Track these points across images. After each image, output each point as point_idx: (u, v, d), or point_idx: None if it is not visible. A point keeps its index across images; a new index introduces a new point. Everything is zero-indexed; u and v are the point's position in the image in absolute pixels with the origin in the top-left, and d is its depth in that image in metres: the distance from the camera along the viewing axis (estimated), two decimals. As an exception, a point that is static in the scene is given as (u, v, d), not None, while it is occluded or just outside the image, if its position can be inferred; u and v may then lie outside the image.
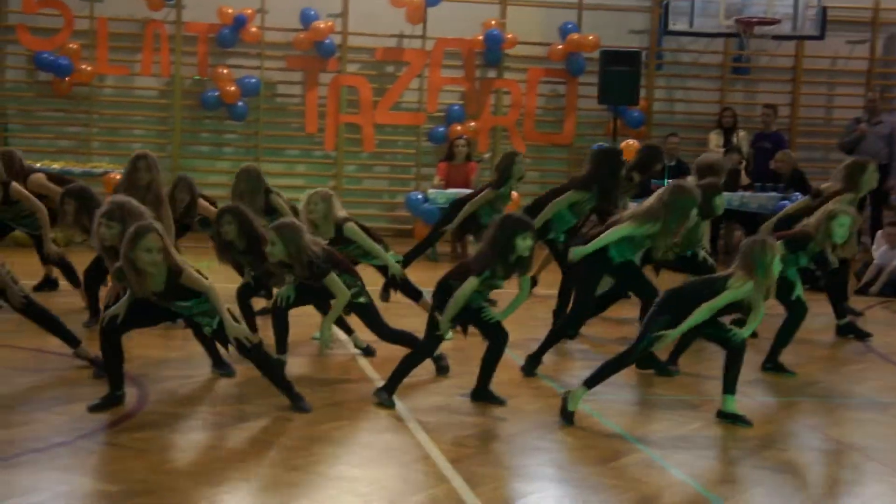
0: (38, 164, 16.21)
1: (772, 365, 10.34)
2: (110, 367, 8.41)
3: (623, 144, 18.06)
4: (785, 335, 10.40)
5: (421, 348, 9.04)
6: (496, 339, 8.85)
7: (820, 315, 12.57)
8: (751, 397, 9.43)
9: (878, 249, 15.69)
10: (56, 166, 16.39)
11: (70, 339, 9.47)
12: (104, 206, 9.05)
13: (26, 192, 11.81)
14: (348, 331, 10.63)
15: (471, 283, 8.61)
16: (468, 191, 16.77)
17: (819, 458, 8.11)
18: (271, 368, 8.67)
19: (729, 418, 8.53)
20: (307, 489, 6.91)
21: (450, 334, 9.44)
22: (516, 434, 8.24)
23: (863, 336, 12.02)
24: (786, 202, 16.57)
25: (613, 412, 8.71)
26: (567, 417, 8.34)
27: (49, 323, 9.44)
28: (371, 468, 7.33)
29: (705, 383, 9.88)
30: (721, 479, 7.47)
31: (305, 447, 7.70)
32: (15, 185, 11.87)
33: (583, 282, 10.10)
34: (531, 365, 9.98)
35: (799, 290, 10.35)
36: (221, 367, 9.48)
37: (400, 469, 7.33)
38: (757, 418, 8.80)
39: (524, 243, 8.45)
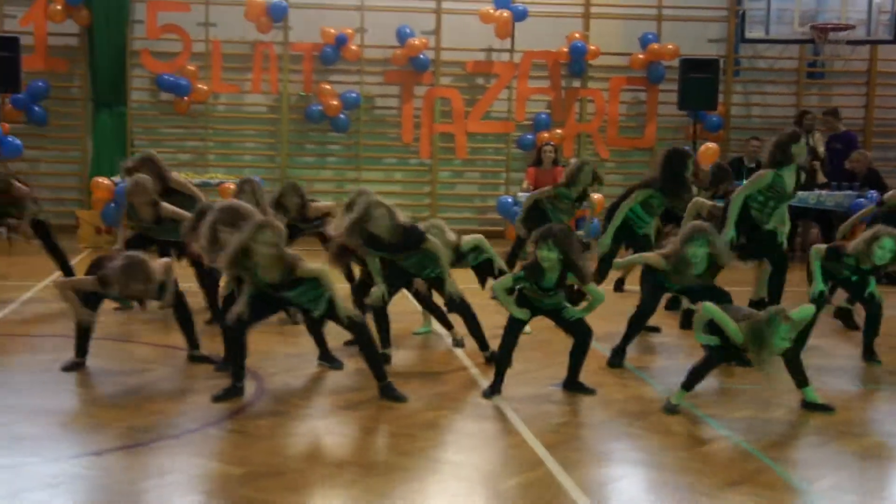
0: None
1: (870, 356, 10.38)
2: (235, 360, 8.61)
3: (703, 148, 18.12)
4: (869, 331, 10.43)
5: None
6: (580, 335, 8.91)
7: None
8: (832, 386, 9.47)
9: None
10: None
11: (193, 341, 9.73)
12: (216, 213, 9.19)
13: (174, 210, 11.63)
14: (448, 325, 10.75)
15: (500, 281, 8.97)
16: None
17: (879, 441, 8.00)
18: (374, 352, 8.78)
19: (812, 408, 8.52)
20: (416, 473, 7.01)
21: (528, 329, 9.62)
22: (606, 421, 8.29)
23: None
24: (861, 200, 16.54)
25: (698, 400, 8.65)
26: (670, 410, 8.44)
27: (187, 323, 9.70)
28: (472, 454, 7.40)
29: (783, 373, 9.82)
30: (806, 464, 7.44)
31: (412, 434, 7.79)
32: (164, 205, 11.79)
33: (646, 278, 10.11)
34: (617, 357, 10.01)
35: (871, 287, 10.32)
36: (329, 361, 9.62)
37: (499, 454, 7.44)
38: (839, 405, 8.74)
39: (544, 254, 8.56)
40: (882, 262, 9.99)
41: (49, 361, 9.62)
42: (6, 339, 10.60)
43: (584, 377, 9.11)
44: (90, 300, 9.40)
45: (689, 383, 8.44)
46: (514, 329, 8.94)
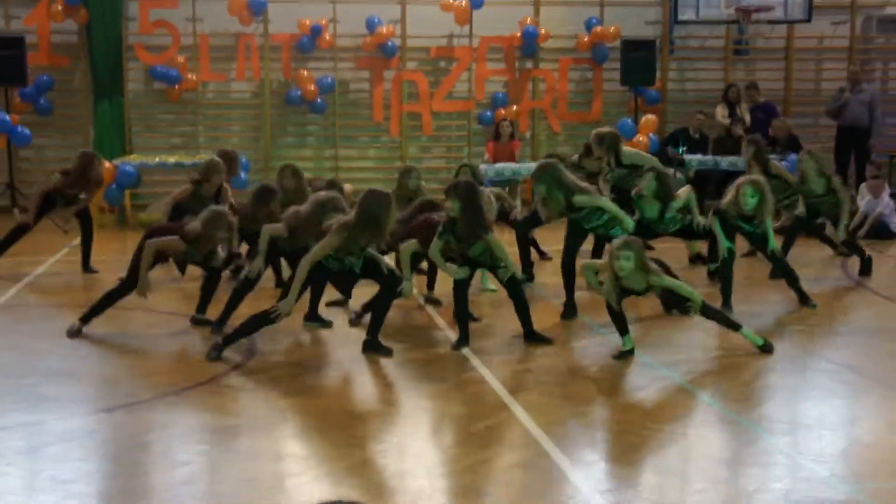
0: (157, 159, 16.64)
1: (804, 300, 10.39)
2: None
3: (643, 119, 18.23)
4: (791, 282, 10.45)
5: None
6: (512, 294, 9.04)
7: (820, 261, 12.72)
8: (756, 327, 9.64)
9: (863, 200, 15.68)
10: (171, 160, 16.73)
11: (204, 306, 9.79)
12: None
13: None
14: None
15: (432, 245, 9.01)
16: (514, 164, 17.06)
17: (819, 376, 8.16)
18: (385, 311, 8.84)
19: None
20: (396, 418, 7.18)
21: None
22: (563, 368, 8.41)
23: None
24: (784, 161, 16.66)
25: (644, 349, 8.74)
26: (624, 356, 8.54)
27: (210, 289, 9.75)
28: (445, 401, 7.48)
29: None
30: (737, 396, 7.58)
31: (391, 384, 7.96)
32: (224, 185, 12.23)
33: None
34: (569, 311, 10.07)
35: (770, 241, 10.33)
36: (318, 321, 9.63)
37: (468, 400, 7.47)
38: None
39: (449, 204, 8.75)
40: (750, 208, 10.04)
41: (64, 328, 9.64)
42: (25, 309, 10.60)
43: (547, 329, 9.26)
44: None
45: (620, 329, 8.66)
46: (458, 288, 9.02)
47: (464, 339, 8.92)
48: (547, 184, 9.81)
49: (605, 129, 12.70)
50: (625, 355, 8.53)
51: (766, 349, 8.62)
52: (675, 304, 8.94)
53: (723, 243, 10.21)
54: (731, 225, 10.26)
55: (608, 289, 8.59)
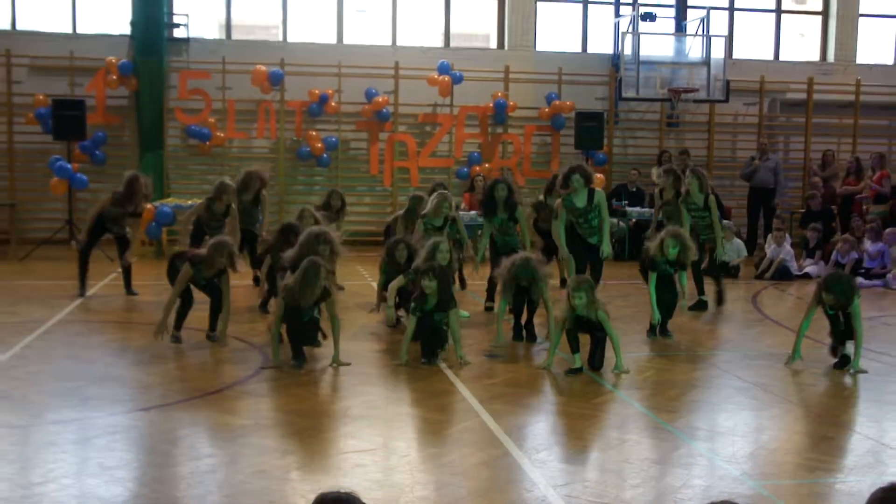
0: (189, 202, 16.59)
1: (664, 333, 10.27)
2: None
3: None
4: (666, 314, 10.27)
5: None
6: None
7: (731, 299, 12.77)
8: (682, 351, 9.68)
9: (769, 247, 15.83)
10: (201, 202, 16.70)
11: (214, 324, 9.67)
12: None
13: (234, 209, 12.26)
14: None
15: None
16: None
17: (733, 393, 8.15)
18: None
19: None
20: (381, 421, 7.10)
21: (466, 313, 10.20)
22: (524, 382, 8.39)
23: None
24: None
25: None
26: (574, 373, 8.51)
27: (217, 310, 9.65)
28: (419, 407, 7.52)
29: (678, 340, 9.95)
30: (667, 408, 7.58)
31: (372, 393, 7.88)
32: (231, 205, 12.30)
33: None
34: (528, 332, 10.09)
35: (682, 280, 10.38)
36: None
37: (443, 408, 7.48)
38: (687, 366, 9.01)
39: (426, 283, 8.73)
40: (672, 257, 9.97)
41: (109, 341, 9.63)
42: (78, 325, 10.57)
43: (513, 350, 9.29)
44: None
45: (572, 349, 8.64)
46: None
47: (430, 359, 8.88)
48: None
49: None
50: (574, 372, 8.52)
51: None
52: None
53: (651, 285, 10.16)
54: (659, 270, 10.20)
55: (565, 316, 8.63)
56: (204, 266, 9.40)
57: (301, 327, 8.69)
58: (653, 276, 10.16)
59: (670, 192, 12.70)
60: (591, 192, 11.20)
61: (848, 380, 8.60)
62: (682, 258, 10.07)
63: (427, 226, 11.43)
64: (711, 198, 12.29)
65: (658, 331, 10.19)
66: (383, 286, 10.64)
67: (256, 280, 12.49)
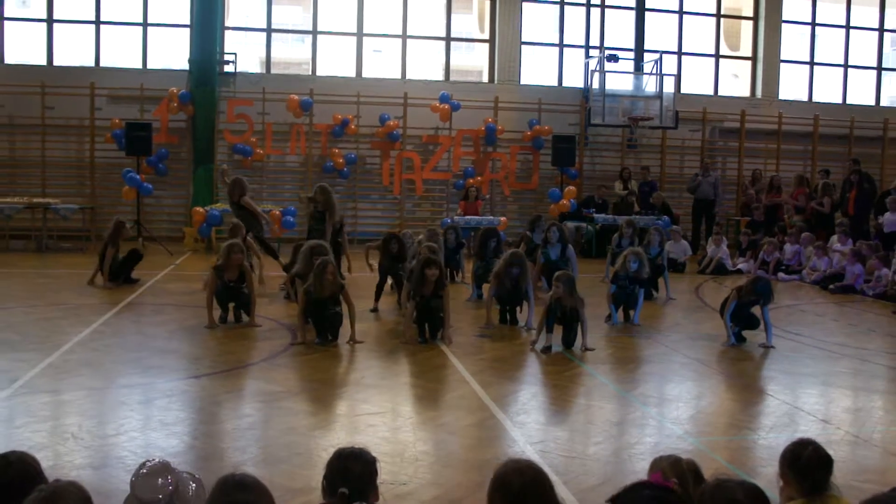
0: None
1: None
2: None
3: (566, 190, 18.36)
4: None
5: None
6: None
7: (678, 290, 12.78)
8: (637, 333, 9.69)
9: (710, 248, 15.88)
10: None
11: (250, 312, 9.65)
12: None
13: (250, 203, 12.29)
14: None
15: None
16: (478, 217, 17.09)
17: (678, 367, 8.16)
18: None
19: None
20: (389, 390, 7.11)
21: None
22: (509, 357, 8.40)
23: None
24: (659, 221, 16.77)
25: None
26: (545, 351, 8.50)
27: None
28: (421, 378, 7.49)
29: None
30: (625, 379, 7.62)
31: (381, 366, 7.92)
32: (245, 198, 12.35)
33: None
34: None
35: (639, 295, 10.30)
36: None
37: (442, 379, 7.49)
38: (641, 345, 9.03)
39: (429, 272, 8.70)
40: (634, 272, 9.96)
41: (167, 320, 9.61)
42: (143, 307, 10.57)
43: (499, 331, 9.22)
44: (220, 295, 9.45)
45: (548, 329, 8.63)
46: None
47: (424, 338, 8.87)
48: None
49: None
50: (547, 350, 8.53)
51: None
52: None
53: (613, 314, 10.12)
54: (623, 292, 10.16)
55: (549, 304, 8.67)
56: (224, 269, 9.33)
57: (323, 319, 8.65)
58: (611, 288, 10.19)
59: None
60: (565, 248, 11.43)
61: (768, 357, 8.62)
62: (640, 274, 10.07)
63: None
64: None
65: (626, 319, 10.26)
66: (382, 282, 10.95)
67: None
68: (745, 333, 9.17)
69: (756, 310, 9.06)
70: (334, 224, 12.30)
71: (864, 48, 22.08)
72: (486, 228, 12.93)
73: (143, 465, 2.95)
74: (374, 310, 10.52)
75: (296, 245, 10.97)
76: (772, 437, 5.98)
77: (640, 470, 4.80)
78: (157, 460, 2.97)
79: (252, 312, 9.48)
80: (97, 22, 18.75)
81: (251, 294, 9.48)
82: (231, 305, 9.57)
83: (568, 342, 8.68)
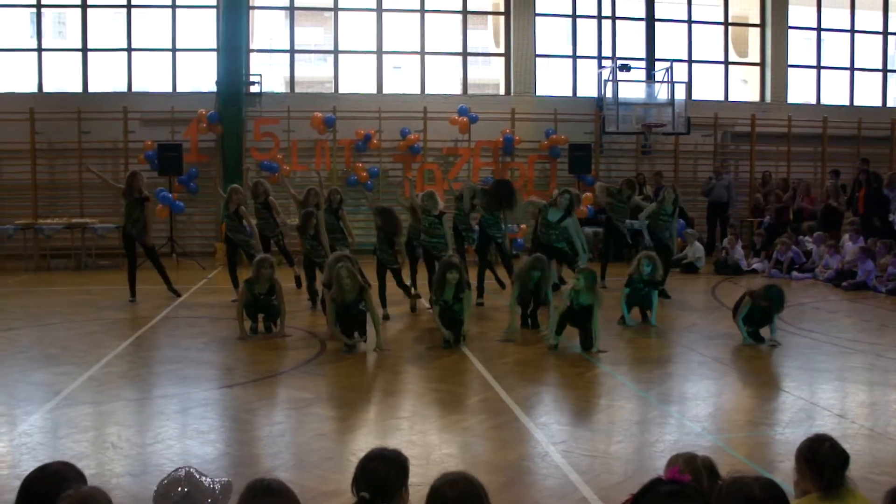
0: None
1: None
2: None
3: (584, 197, 18.25)
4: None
5: None
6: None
7: (694, 291, 12.69)
8: (655, 335, 9.64)
9: (725, 248, 15.80)
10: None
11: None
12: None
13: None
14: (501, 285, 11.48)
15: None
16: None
17: (696, 366, 8.12)
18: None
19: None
20: (413, 395, 7.13)
21: (483, 300, 10.56)
22: (530, 361, 8.36)
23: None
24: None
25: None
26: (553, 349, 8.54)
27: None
28: (444, 382, 7.45)
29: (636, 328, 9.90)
30: (644, 379, 7.57)
31: (407, 372, 7.94)
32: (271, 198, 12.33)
33: None
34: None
35: (654, 298, 10.20)
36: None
37: (466, 383, 7.48)
38: (659, 345, 8.97)
39: (450, 276, 8.70)
40: (647, 276, 9.91)
41: (200, 332, 9.65)
42: (178, 319, 10.63)
43: (521, 336, 9.20)
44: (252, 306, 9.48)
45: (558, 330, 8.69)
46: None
47: (449, 343, 8.80)
48: None
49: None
50: (554, 348, 8.58)
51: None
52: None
53: (627, 317, 10.06)
54: (637, 294, 10.11)
55: (565, 306, 8.67)
56: (255, 282, 9.35)
57: (351, 319, 8.67)
58: (625, 291, 10.15)
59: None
60: (567, 215, 11.35)
61: (784, 354, 8.54)
62: (654, 276, 10.03)
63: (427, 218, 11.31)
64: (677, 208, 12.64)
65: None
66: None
67: (297, 280, 12.53)
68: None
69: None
70: (331, 203, 11.99)
71: (869, 51, 21.91)
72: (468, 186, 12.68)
73: (167, 475, 2.98)
74: (386, 317, 10.42)
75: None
76: (788, 432, 5.93)
77: (660, 467, 4.74)
78: (180, 470, 2.98)
79: (282, 323, 9.49)
80: (129, 49, 18.92)
81: (281, 306, 9.50)
82: (261, 317, 9.60)
83: (585, 345, 8.63)
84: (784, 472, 4.68)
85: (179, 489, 2.86)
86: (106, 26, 19.56)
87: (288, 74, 19.82)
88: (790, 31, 21.12)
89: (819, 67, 21.57)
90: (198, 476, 2.93)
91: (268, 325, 9.60)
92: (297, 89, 19.78)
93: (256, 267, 9.38)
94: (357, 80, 19.89)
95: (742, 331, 8.96)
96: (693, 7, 20.82)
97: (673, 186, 13.13)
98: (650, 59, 20.22)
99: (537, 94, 20.05)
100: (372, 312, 8.71)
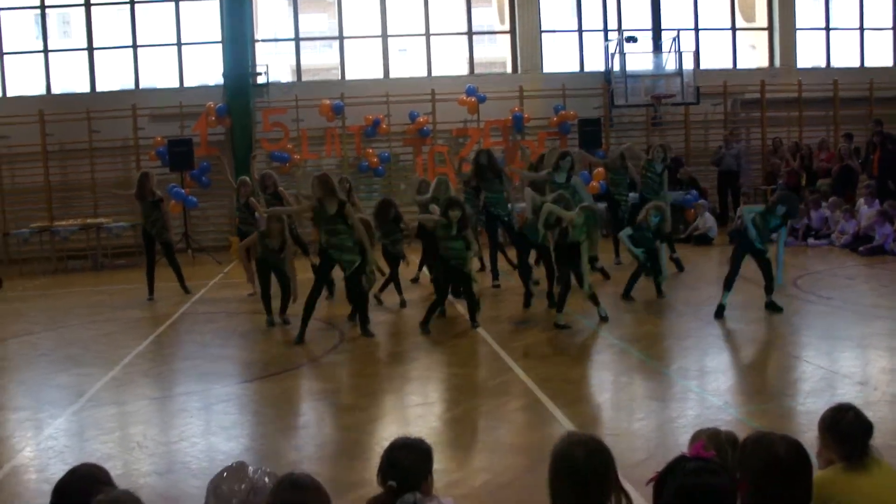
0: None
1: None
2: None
3: (595, 171, 18.20)
4: (656, 276, 10.22)
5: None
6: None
7: (708, 262, 12.62)
8: (671, 308, 9.60)
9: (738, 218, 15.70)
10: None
11: (285, 306, 9.63)
12: None
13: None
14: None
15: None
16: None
17: (713, 339, 8.08)
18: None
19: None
20: (432, 381, 7.18)
21: (499, 283, 10.43)
22: (547, 341, 8.35)
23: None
24: (688, 197, 16.64)
25: (603, 327, 8.83)
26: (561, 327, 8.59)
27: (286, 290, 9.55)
28: (465, 367, 7.50)
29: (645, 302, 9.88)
30: (662, 355, 7.58)
31: (423, 357, 7.95)
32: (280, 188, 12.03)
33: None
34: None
35: (661, 250, 10.35)
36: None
37: (485, 366, 7.51)
38: (676, 319, 8.95)
39: (451, 213, 8.71)
40: (655, 225, 9.94)
41: (219, 328, 9.70)
42: (196, 315, 10.67)
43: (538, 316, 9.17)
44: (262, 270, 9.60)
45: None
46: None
47: (475, 323, 8.88)
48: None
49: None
50: (562, 327, 8.62)
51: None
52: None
53: (634, 252, 10.06)
54: (644, 237, 10.12)
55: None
56: (266, 235, 9.46)
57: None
58: (627, 231, 10.20)
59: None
60: (570, 177, 11.44)
61: (803, 323, 8.52)
62: (661, 227, 10.04)
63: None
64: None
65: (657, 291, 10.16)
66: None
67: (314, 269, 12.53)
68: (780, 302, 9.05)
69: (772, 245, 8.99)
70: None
71: (878, 10, 21.63)
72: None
73: (222, 471, 3.00)
74: (402, 303, 10.39)
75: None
76: (810, 402, 5.92)
77: (682, 443, 4.75)
78: (234, 464, 3.01)
79: (293, 289, 9.33)
80: (134, 46, 18.94)
81: (290, 267, 9.43)
82: (276, 311, 9.61)
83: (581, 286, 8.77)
84: (807, 443, 4.61)
85: (242, 489, 2.88)
86: (110, 24, 19.56)
87: (294, 63, 19.78)
88: (798, -7, 20.91)
89: (828, 29, 21.32)
90: (251, 472, 2.96)
91: (284, 317, 9.62)
92: (304, 77, 19.74)
93: (268, 221, 9.49)
94: (363, 65, 19.84)
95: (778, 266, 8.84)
96: (698, -26, 20.64)
97: (662, 144, 12.91)
98: (656, 30, 20.03)
99: (544, 70, 19.93)
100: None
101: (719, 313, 8.80)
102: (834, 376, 6.59)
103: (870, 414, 3.50)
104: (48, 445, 5.77)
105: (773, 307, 8.92)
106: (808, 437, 4.87)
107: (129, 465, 5.30)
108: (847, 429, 3.39)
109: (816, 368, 6.83)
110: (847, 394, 6.02)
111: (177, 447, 5.61)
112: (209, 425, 6.11)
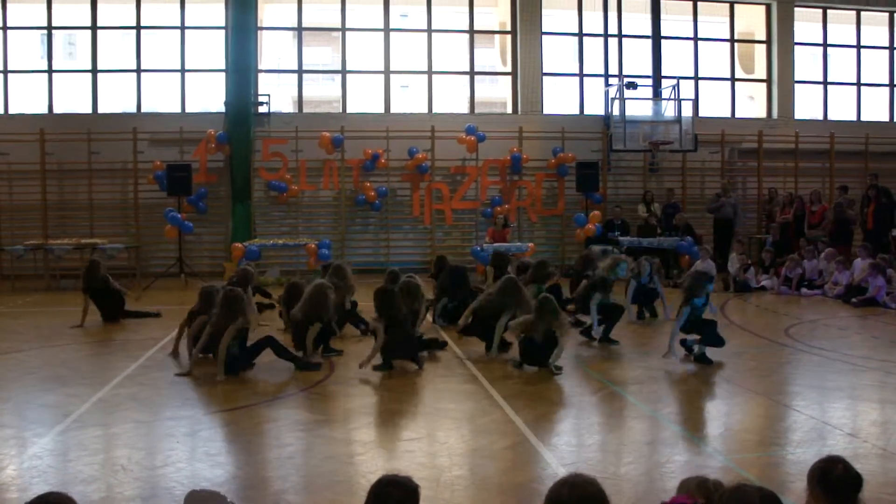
0: (271, 241, 16.72)
1: (607, 341, 10.06)
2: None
3: (591, 214, 18.27)
4: (609, 326, 10.18)
5: None
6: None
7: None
8: (662, 356, 9.59)
9: (732, 266, 15.73)
10: (280, 242, 16.85)
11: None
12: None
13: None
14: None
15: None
16: (506, 244, 17.05)
17: (705, 386, 8.08)
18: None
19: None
20: (423, 416, 7.08)
21: None
22: (537, 381, 8.34)
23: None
24: (683, 243, 16.68)
25: (590, 364, 8.81)
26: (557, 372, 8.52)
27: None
28: (458, 403, 7.44)
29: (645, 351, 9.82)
30: (653, 399, 7.52)
31: (417, 393, 7.90)
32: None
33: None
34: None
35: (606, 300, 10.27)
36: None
37: (474, 404, 7.44)
38: (667, 364, 8.93)
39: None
40: (619, 277, 10.19)
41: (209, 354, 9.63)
42: (185, 341, 10.58)
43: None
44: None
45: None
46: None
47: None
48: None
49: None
50: (555, 369, 8.57)
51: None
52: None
53: (592, 315, 10.14)
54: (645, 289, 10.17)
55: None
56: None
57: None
58: (597, 298, 10.13)
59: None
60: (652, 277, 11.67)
61: (794, 372, 8.50)
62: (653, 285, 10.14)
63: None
64: None
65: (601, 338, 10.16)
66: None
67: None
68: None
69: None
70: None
71: (875, 66, 21.93)
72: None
73: (190, 493, 2.97)
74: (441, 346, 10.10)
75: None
76: (800, 451, 5.88)
77: (670, 488, 4.73)
78: (203, 489, 2.98)
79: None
80: (138, 70, 19.07)
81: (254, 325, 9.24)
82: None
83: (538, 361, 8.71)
84: (796, 493, 4.65)
85: None
86: (115, 48, 19.70)
87: (296, 94, 19.93)
88: (796, 46, 21.19)
89: (826, 83, 21.59)
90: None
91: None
92: (306, 109, 19.88)
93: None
94: (365, 99, 19.99)
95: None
96: (699, 24, 20.91)
97: (648, 259, 12.25)
98: (657, 77, 20.27)
99: (544, 112, 20.11)
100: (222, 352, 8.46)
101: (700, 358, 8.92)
102: (824, 427, 6.56)
103: (859, 466, 3.49)
104: (32, 465, 5.70)
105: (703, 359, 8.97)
106: (797, 487, 4.86)
107: (112, 488, 5.24)
108: (836, 482, 3.38)
109: (807, 418, 6.80)
110: (837, 445, 5.98)
111: (161, 472, 5.54)
112: (195, 451, 6.04)
